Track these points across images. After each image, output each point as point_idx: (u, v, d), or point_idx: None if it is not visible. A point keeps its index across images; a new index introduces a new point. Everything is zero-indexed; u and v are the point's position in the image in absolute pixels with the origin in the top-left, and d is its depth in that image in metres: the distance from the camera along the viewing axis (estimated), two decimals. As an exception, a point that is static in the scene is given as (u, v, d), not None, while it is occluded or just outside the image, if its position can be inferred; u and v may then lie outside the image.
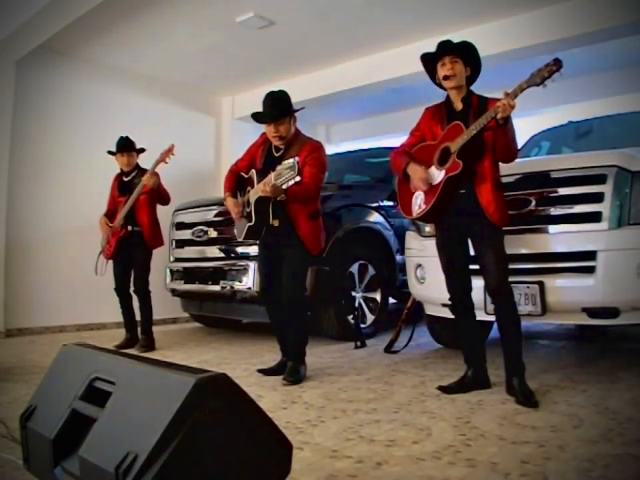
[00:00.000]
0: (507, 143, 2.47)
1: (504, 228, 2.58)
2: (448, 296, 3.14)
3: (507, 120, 2.39)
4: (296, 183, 2.74)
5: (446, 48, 2.58)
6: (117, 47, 5.38)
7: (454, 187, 2.55)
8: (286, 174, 2.70)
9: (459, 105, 2.63)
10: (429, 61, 2.67)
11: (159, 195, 4.20)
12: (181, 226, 5.03)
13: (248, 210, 3.01)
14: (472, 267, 2.69)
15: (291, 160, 2.71)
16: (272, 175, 2.77)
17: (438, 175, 2.57)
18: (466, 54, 2.59)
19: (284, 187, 2.78)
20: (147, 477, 1.10)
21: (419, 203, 2.66)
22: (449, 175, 2.51)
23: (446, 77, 2.57)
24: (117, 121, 5.48)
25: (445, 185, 2.53)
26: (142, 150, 4.34)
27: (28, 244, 5.20)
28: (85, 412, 1.39)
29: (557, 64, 2.30)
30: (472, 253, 2.67)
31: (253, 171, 3.05)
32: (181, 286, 4.92)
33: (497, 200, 2.52)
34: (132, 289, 4.27)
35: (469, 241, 2.66)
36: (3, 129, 5.03)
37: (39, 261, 5.26)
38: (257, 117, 3.06)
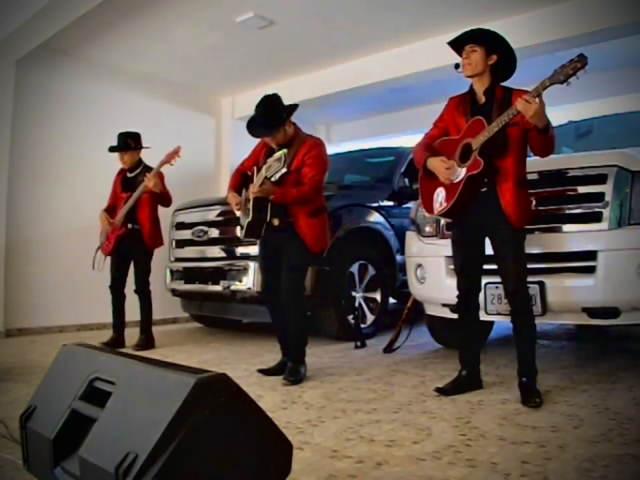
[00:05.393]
0: (543, 145, 2.41)
1: (526, 227, 2.53)
2: (448, 296, 3.13)
3: (547, 127, 2.31)
4: (283, 175, 2.79)
5: (461, 38, 2.51)
6: (117, 47, 5.37)
7: (475, 186, 2.49)
8: (275, 166, 2.73)
9: (481, 98, 2.54)
10: (458, 51, 2.58)
11: (161, 197, 4.16)
12: (181, 226, 5.03)
13: (248, 207, 3.00)
14: (486, 266, 2.65)
15: (280, 152, 2.76)
16: (263, 169, 2.81)
17: (459, 172, 2.50)
18: (486, 41, 2.48)
19: (273, 179, 2.82)
20: (146, 477, 1.10)
21: (440, 200, 2.59)
22: (469, 174, 2.45)
23: (457, 66, 2.49)
24: (117, 120, 5.47)
25: (465, 183, 2.46)
26: (136, 146, 4.23)
27: (28, 244, 5.20)
28: (84, 412, 1.38)
29: (582, 60, 2.18)
30: (487, 252, 2.62)
31: (255, 168, 3.05)
32: (181, 286, 4.92)
33: (518, 200, 2.44)
34: (133, 288, 4.24)
35: (487, 240, 2.60)
36: (3, 129, 5.03)
37: (39, 261, 5.26)
38: (251, 131, 3.03)
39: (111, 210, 4.30)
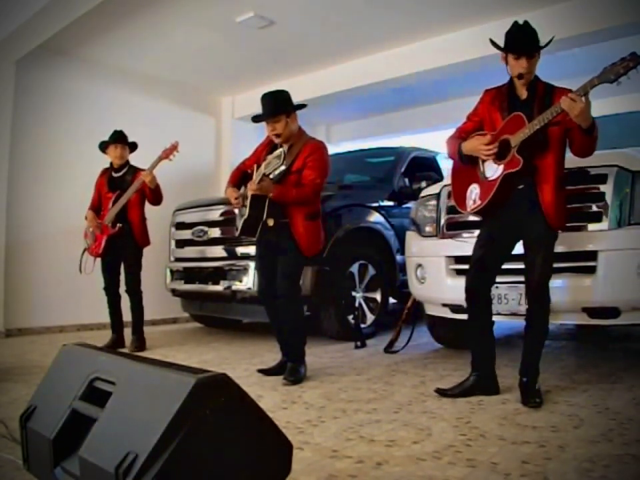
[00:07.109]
0: (586, 146, 2.34)
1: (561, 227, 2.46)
2: (448, 296, 3.12)
3: (593, 127, 2.23)
4: (283, 175, 2.80)
5: (530, 48, 2.37)
6: (117, 47, 5.38)
7: (511, 184, 2.41)
8: (274, 163, 2.74)
9: (523, 93, 2.44)
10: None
11: (155, 194, 4.10)
12: (181, 226, 5.03)
13: (245, 204, 2.99)
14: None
15: (280, 150, 2.78)
16: (262, 166, 2.81)
17: (495, 169, 2.42)
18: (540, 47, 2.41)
19: (272, 176, 2.82)
20: (146, 477, 1.10)
21: (473, 197, 2.51)
22: (506, 172, 2.37)
23: (521, 76, 2.38)
24: (117, 121, 5.46)
25: (502, 181, 2.38)
26: (134, 146, 4.28)
27: (28, 244, 5.20)
28: (85, 412, 1.39)
29: (635, 59, 2.10)
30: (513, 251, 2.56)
31: (255, 165, 3.05)
32: (181, 286, 4.92)
33: (558, 201, 2.38)
34: (124, 289, 4.22)
35: (512, 239, 2.53)
36: (3, 129, 5.03)
37: (39, 260, 5.26)
38: (255, 117, 3.09)
39: (95, 211, 4.26)
